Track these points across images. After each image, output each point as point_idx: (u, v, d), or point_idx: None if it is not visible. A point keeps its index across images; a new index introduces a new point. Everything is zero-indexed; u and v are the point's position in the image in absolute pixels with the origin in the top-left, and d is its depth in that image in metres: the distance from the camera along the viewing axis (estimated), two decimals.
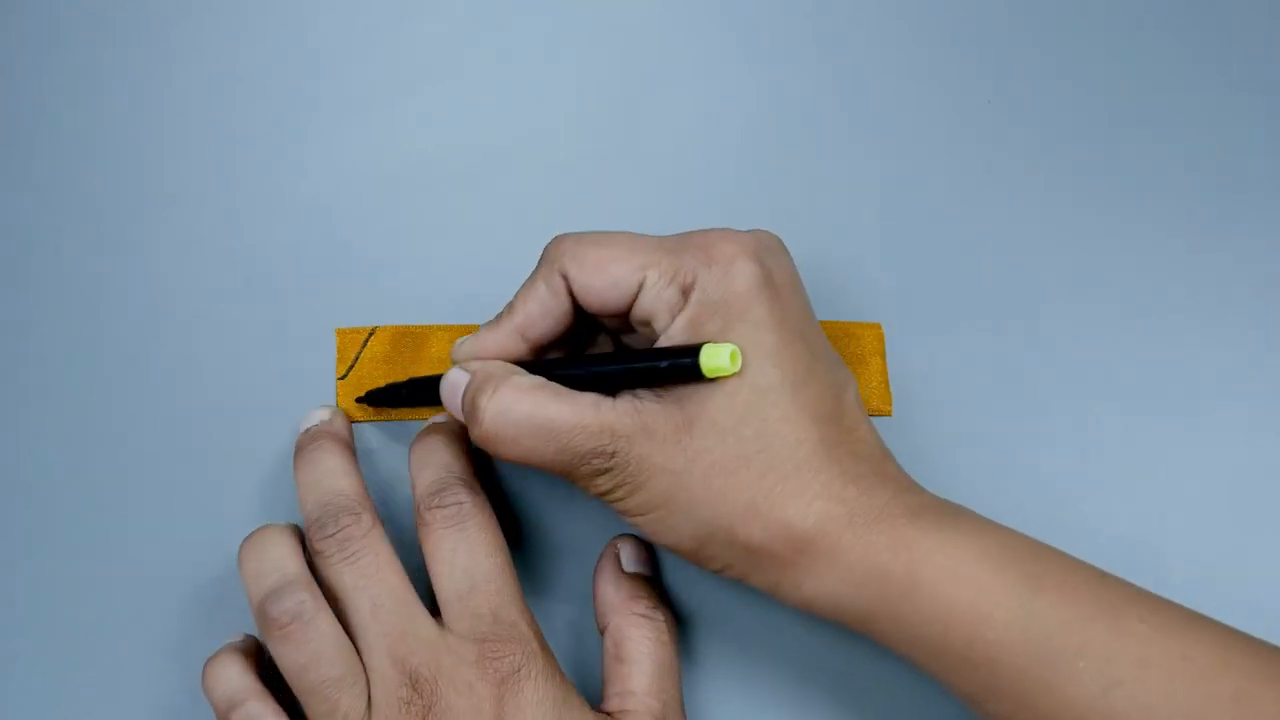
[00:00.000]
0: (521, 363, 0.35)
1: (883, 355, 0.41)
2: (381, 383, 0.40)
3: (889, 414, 0.41)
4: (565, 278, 0.34)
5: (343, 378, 0.41)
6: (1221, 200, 0.43)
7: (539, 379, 0.33)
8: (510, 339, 0.35)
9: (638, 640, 0.35)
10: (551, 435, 0.32)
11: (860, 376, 0.41)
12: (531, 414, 0.32)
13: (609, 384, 0.33)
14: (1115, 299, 0.42)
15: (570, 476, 0.33)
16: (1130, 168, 0.43)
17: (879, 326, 0.41)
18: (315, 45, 0.44)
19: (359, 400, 0.40)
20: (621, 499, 0.33)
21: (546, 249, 0.35)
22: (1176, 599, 0.40)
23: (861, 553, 0.31)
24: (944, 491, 0.34)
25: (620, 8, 0.45)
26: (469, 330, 0.40)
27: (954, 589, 0.31)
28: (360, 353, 0.41)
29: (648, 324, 0.33)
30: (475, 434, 0.33)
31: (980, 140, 0.43)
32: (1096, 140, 0.43)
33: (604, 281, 0.33)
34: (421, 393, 0.38)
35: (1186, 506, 0.40)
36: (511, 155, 0.43)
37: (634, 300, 0.33)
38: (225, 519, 0.40)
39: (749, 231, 0.34)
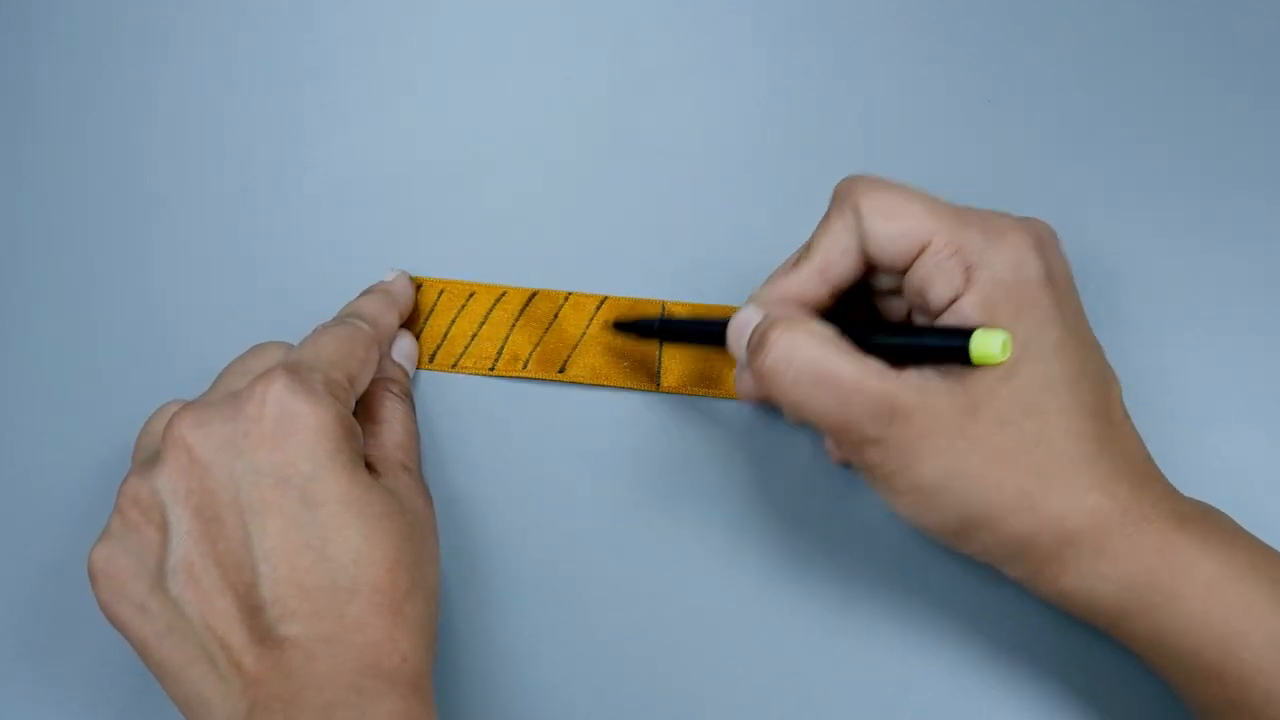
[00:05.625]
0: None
1: None
2: (423, 336, 0.41)
3: None
4: (857, 214, 0.33)
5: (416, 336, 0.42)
6: (1223, 200, 0.43)
7: (833, 330, 0.33)
8: (811, 281, 0.34)
9: (391, 407, 0.38)
10: (831, 388, 0.31)
11: None
12: (818, 361, 0.32)
13: (878, 351, 0.32)
14: (1115, 299, 0.42)
15: (840, 437, 0.32)
16: (1130, 168, 0.43)
17: None
18: (316, 42, 0.44)
19: (614, 325, 0.40)
20: (889, 475, 0.32)
21: (838, 189, 0.34)
22: None
23: (1126, 553, 0.31)
24: None
25: (625, 4, 0.45)
26: (520, 294, 0.41)
27: (1215, 603, 0.31)
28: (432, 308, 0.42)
29: (922, 293, 0.33)
30: (756, 365, 0.33)
31: (980, 141, 0.43)
32: (1096, 140, 0.43)
33: (890, 230, 0.32)
34: (677, 330, 0.39)
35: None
36: (515, 153, 0.43)
37: (913, 260, 0.32)
38: None
39: (1027, 219, 0.34)
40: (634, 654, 0.39)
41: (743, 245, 0.42)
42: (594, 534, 0.40)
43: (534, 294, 0.42)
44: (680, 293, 0.42)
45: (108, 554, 0.33)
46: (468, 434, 0.41)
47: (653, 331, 0.40)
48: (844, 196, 0.34)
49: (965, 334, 0.31)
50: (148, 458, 0.34)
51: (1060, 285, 0.33)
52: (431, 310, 0.42)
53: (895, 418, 0.31)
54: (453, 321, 0.42)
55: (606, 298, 0.42)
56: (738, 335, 0.34)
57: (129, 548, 0.33)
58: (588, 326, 0.41)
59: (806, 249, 0.34)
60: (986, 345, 0.30)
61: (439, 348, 0.41)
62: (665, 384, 0.41)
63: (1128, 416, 0.34)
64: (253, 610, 0.31)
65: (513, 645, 0.39)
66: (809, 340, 0.32)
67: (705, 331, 0.38)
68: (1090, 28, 0.44)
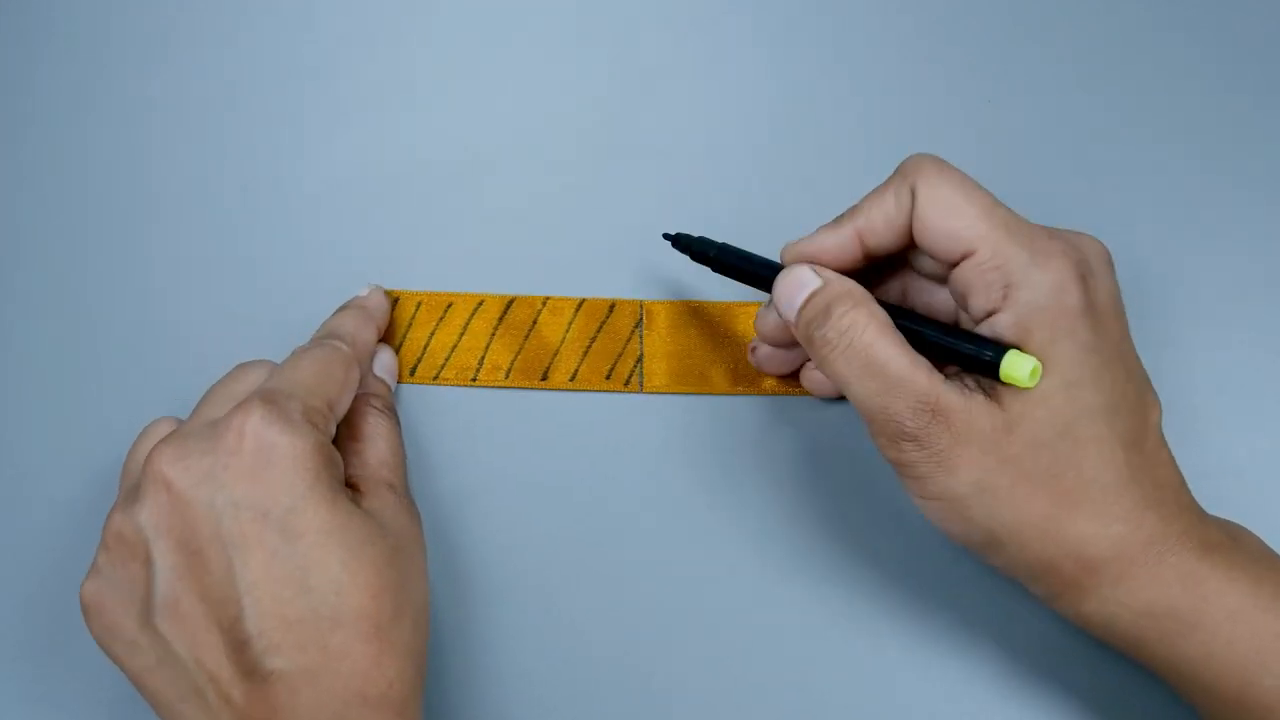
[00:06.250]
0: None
1: None
2: (403, 349, 0.41)
3: None
4: (913, 195, 0.33)
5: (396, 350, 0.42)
6: (1223, 200, 0.43)
7: (888, 317, 0.33)
8: (848, 241, 0.34)
9: (374, 424, 0.38)
10: (880, 376, 0.32)
11: None
12: (872, 346, 0.32)
13: (913, 339, 0.33)
14: None
15: (878, 426, 0.33)
16: (1130, 168, 0.43)
17: None
18: (316, 42, 0.44)
19: (667, 236, 0.40)
20: (922, 478, 0.32)
21: (904, 163, 0.34)
22: None
23: (1148, 582, 0.32)
24: None
25: (625, 4, 0.45)
26: (498, 301, 0.41)
27: (1238, 633, 0.31)
28: (411, 321, 0.42)
29: (962, 295, 0.33)
30: (813, 333, 0.33)
31: (980, 141, 0.43)
32: (1096, 140, 0.43)
33: (941, 227, 0.32)
34: (730, 262, 0.38)
35: None
36: (515, 154, 0.43)
37: (958, 260, 0.32)
38: None
39: (1077, 237, 0.34)
40: (626, 660, 0.39)
41: (742, 245, 0.42)
42: (585, 540, 0.40)
43: (511, 301, 0.42)
44: (683, 292, 0.42)
45: (96, 589, 0.33)
46: (453, 445, 0.41)
47: (707, 259, 0.38)
48: (906, 174, 0.34)
49: (998, 351, 0.31)
50: (131, 490, 0.34)
51: (1103, 313, 0.32)
52: (410, 323, 0.42)
53: (935, 417, 0.31)
54: (432, 333, 0.41)
55: (584, 300, 0.42)
56: (789, 294, 0.35)
57: (116, 583, 0.33)
58: (567, 331, 0.41)
59: (853, 211, 0.35)
60: (1016, 368, 0.31)
61: (420, 360, 0.41)
62: (648, 385, 0.41)
63: (1164, 444, 0.34)
64: (239, 644, 0.31)
65: (502, 654, 0.39)
66: (870, 323, 0.32)
67: (756, 274, 0.37)
68: (1090, 28, 0.44)
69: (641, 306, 0.42)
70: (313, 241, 0.43)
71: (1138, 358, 0.34)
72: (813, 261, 0.35)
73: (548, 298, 0.42)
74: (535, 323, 0.41)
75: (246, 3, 0.45)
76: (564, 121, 0.44)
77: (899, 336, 0.33)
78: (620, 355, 0.41)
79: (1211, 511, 0.34)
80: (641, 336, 0.41)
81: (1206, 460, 0.40)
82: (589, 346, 0.41)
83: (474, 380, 0.41)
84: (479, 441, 0.41)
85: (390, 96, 0.44)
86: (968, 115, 0.43)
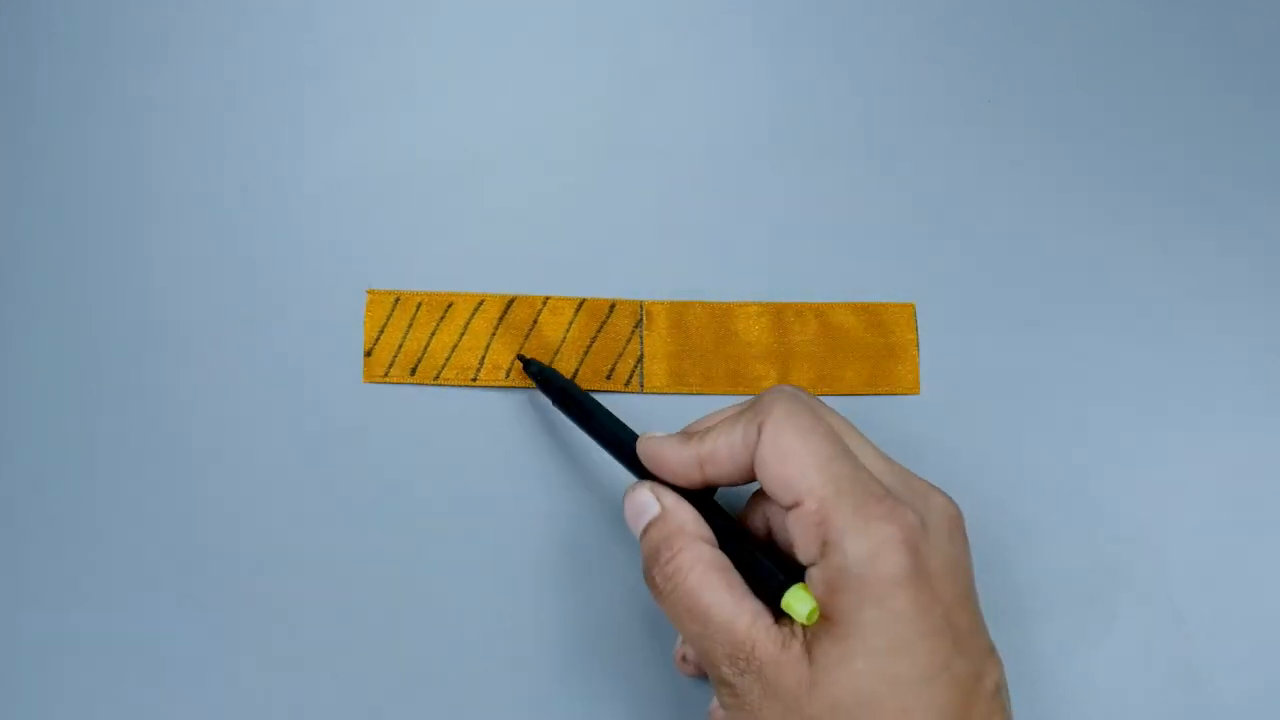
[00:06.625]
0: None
1: (914, 334, 0.42)
2: (404, 349, 0.41)
3: (917, 393, 0.41)
4: (759, 436, 0.32)
5: (369, 353, 0.41)
6: (1222, 200, 0.43)
7: (723, 558, 0.33)
8: (690, 466, 0.34)
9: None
10: (701, 620, 0.32)
11: (892, 356, 0.42)
12: (698, 591, 0.32)
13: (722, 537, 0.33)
14: (1114, 299, 0.42)
15: (703, 665, 0.33)
16: (1130, 168, 0.43)
17: (912, 306, 0.42)
18: (316, 42, 0.44)
19: (523, 360, 0.40)
20: None
21: (763, 398, 0.33)
22: (1176, 598, 0.40)
23: None
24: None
25: (625, 4, 0.45)
26: (498, 301, 0.41)
27: None
28: (388, 319, 0.41)
29: (790, 543, 0.32)
30: (648, 569, 0.33)
31: (980, 141, 0.43)
32: (1096, 140, 0.43)
33: (774, 473, 0.32)
34: (578, 411, 0.38)
35: (1188, 505, 0.40)
36: (515, 154, 0.43)
37: (790, 508, 0.32)
38: (222, 518, 0.40)
39: (924, 497, 0.33)
40: (629, 656, 0.39)
41: (741, 245, 0.42)
42: (586, 539, 0.40)
43: (511, 300, 0.42)
44: (683, 292, 0.42)
45: None
46: (453, 445, 0.41)
47: (555, 395, 0.39)
48: (759, 411, 0.33)
49: (786, 581, 0.31)
50: None
51: (932, 580, 0.31)
52: (410, 323, 0.42)
53: (749, 667, 0.31)
54: (432, 333, 0.41)
55: (584, 300, 0.42)
56: (630, 517, 0.34)
57: None
58: (567, 331, 0.41)
59: (703, 434, 0.34)
60: (795, 603, 0.31)
61: (420, 360, 0.41)
62: (648, 385, 0.41)
63: (1001, 709, 0.32)
64: None
65: (503, 652, 0.39)
66: (696, 565, 0.32)
67: (600, 437, 0.37)
68: (1090, 28, 0.44)
69: (641, 306, 0.42)
70: (313, 241, 0.43)
71: (977, 621, 0.32)
72: (659, 469, 0.34)
73: (548, 297, 0.42)
74: (536, 323, 0.41)
75: (246, 3, 0.45)
76: (564, 121, 0.44)
77: (730, 578, 0.32)
78: (620, 355, 0.41)
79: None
80: (641, 336, 0.41)
81: (1206, 454, 0.41)
82: (589, 346, 0.41)
83: (474, 380, 0.41)
84: (479, 441, 0.41)
85: (390, 96, 0.44)
86: (968, 115, 0.44)
